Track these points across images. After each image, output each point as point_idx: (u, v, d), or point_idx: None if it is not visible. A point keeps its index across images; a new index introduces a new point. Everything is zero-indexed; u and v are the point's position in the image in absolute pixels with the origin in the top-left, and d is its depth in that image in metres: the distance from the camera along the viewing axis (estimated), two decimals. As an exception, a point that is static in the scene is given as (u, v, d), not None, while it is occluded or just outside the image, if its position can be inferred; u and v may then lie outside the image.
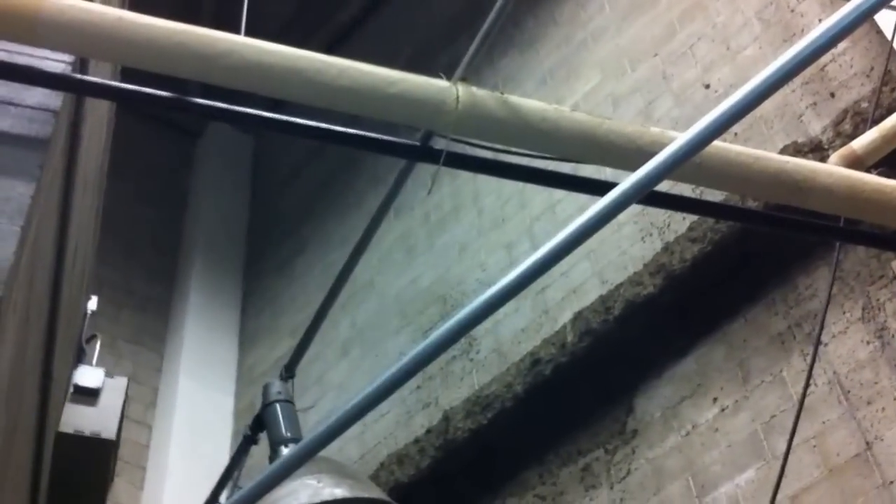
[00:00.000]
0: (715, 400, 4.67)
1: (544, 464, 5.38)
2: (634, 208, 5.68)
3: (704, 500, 4.47)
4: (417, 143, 2.73)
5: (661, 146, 1.90)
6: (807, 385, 3.76)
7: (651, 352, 5.04)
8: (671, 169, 1.85)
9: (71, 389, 4.49)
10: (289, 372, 3.10)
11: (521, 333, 5.94)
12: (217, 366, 9.12)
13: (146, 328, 9.53)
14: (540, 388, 5.37)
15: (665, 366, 4.98)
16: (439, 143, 2.70)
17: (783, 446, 4.17)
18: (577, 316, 5.35)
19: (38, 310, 2.95)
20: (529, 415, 5.43)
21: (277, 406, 2.94)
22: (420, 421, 6.32)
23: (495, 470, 5.59)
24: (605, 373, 5.20)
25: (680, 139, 1.84)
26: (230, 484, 3.16)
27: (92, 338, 5.00)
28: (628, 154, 2.59)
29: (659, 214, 5.44)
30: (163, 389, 9.04)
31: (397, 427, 6.59)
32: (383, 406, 7.07)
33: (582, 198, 6.06)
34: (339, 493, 2.57)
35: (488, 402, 5.58)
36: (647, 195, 1.90)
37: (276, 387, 2.99)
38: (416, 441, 5.97)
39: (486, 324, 6.30)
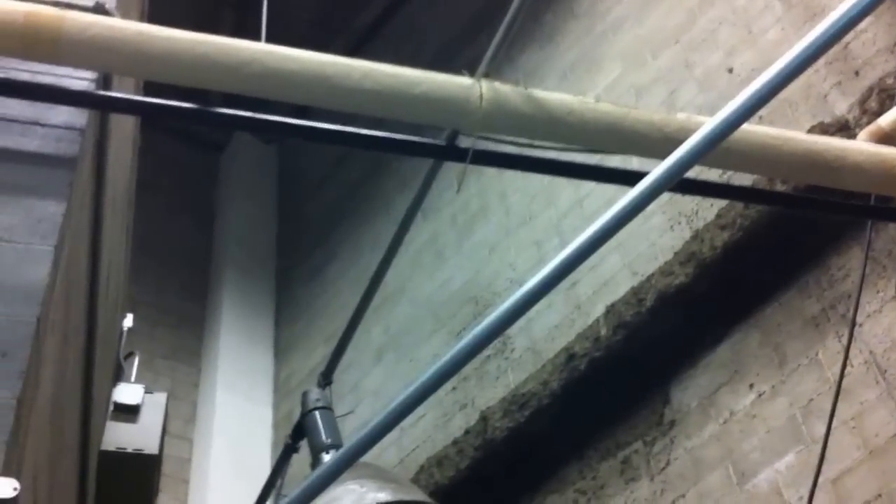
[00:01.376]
0: (751, 386, 4.64)
1: (584, 459, 5.37)
2: (662, 198, 5.65)
3: (745, 487, 4.45)
4: (443, 143, 2.74)
5: (689, 132, 1.90)
6: (844, 366, 3.72)
7: (685, 341, 5.02)
8: (701, 155, 1.85)
9: (111, 407, 4.52)
10: (326, 379, 3.11)
11: (554, 330, 5.92)
12: (254, 377, 9.15)
13: (182, 344, 9.59)
14: (576, 383, 5.36)
15: (700, 354, 4.95)
16: (465, 142, 2.70)
17: (822, 429, 4.15)
18: (610, 309, 5.33)
19: (75, 330, 2.97)
20: (567, 411, 5.42)
21: (317, 413, 2.95)
22: (458, 422, 6.32)
23: (535, 468, 5.58)
24: (640, 365, 5.18)
25: (708, 124, 1.83)
26: (273, 493, 3.17)
27: (129, 355, 5.03)
28: (656, 142, 2.59)
29: (687, 203, 5.41)
30: (201, 404, 9.08)
31: (435, 430, 6.59)
32: (420, 409, 6.98)
33: (609, 191, 6.05)
34: (383, 497, 2.58)
35: (525, 401, 5.58)
36: (677, 182, 1.90)
37: (315, 394, 3.00)
38: (455, 442, 5.97)
39: (520, 322, 6.26)
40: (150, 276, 9.52)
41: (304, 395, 3.00)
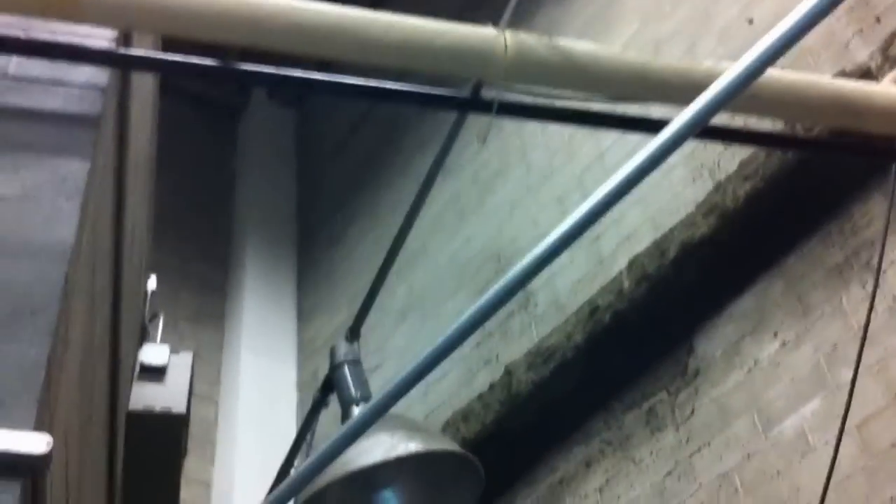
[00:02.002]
0: (776, 335, 4.64)
1: (609, 410, 5.39)
2: (684, 150, 5.63)
3: (770, 434, 4.46)
4: (468, 95, 2.73)
5: (715, 78, 1.88)
6: (870, 311, 3.71)
7: (708, 292, 5.02)
8: (727, 99, 1.83)
9: (137, 368, 4.55)
10: (354, 334, 3.11)
11: (577, 284, 5.93)
12: (277, 339, 9.22)
13: (205, 308, 9.66)
14: (600, 336, 5.37)
15: (723, 305, 4.95)
16: (489, 94, 2.68)
17: (846, 376, 4.15)
18: (633, 262, 5.33)
19: (102, 291, 2.99)
20: (591, 363, 5.44)
21: (346, 367, 2.96)
22: (482, 378, 6.35)
23: (560, 420, 5.61)
24: (663, 316, 5.19)
25: (734, 68, 1.82)
26: (304, 447, 3.20)
27: (154, 316, 5.07)
28: (682, 89, 2.57)
29: (709, 155, 5.39)
30: (226, 366, 9.16)
31: (460, 386, 6.62)
32: (445, 365, 7.03)
33: (630, 145, 6.03)
34: (414, 447, 2.60)
35: (549, 354, 5.60)
36: (703, 129, 1.88)
37: (343, 348, 3.00)
38: (480, 397, 6.00)
39: (542, 277, 6.31)
40: (172, 241, 9.57)
41: (333, 349, 3.00)
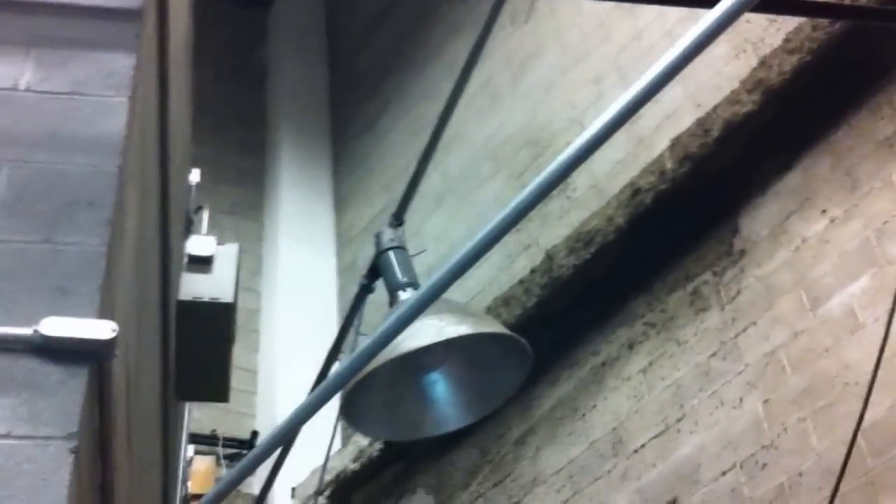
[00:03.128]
0: (823, 211, 4.61)
1: (652, 292, 5.41)
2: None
3: (818, 312, 4.46)
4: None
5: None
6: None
7: (754, 170, 4.97)
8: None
9: (185, 260, 4.60)
10: (398, 219, 3.11)
11: (616, 166, 5.89)
12: (316, 228, 9.28)
13: (244, 200, 9.73)
14: (642, 218, 5.36)
15: (769, 182, 4.91)
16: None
17: (896, 251, 4.13)
18: (675, 142, 5.28)
19: (152, 182, 3.00)
20: (633, 246, 5.43)
21: (391, 253, 2.97)
22: (522, 263, 6.38)
23: (602, 303, 5.64)
24: (707, 196, 5.16)
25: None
26: (351, 332, 3.23)
27: (199, 209, 5.10)
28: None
29: (753, 29, 5.29)
30: (266, 256, 9.25)
31: (500, 271, 6.65)
32: (484, 251, 7.08)
33: (668, 22, 5.92)
34: (463, 329, 2.62)
35: (590, 238, 5.59)
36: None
37: (388, 234, 3.00)
38: (521, 282, 6.03)
39: (581, 160, 6.24)
40: (208, 135, 9.58)
41: (378, 235, 3.01)
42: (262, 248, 9.49)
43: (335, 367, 2.62)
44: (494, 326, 2.79)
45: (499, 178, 7.10)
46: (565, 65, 6.75)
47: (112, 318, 1.97)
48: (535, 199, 2.00)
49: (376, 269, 3.04)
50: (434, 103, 7.92)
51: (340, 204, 9.47)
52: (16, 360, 1.87)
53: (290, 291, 8.68)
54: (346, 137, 9.62)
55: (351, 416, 2.80)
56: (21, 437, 1.80)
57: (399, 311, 2.30)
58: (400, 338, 2.62)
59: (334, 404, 2.79)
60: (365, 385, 2.72)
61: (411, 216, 7.72)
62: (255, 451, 2.29)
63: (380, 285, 3.07)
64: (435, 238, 7.52)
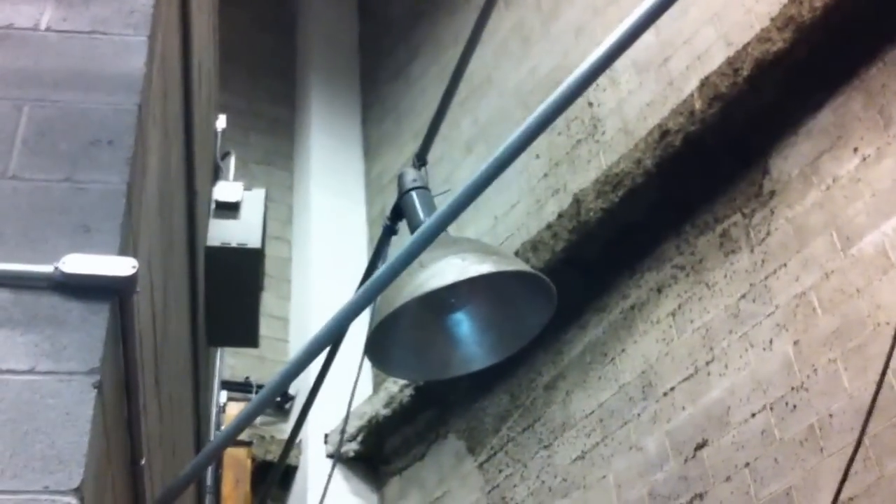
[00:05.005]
0: (855, 150, 4.54)
1: (681, 234, 5.37)
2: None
3: (850, 252, 4.41)
4: None
5: None
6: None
7: (784, 110, 4.91)
8: None
9: (213, 206, 4.62)
10: (420, 160, 3.09)
11: (646, 108, 5.84)
12: (346, 177, 9.28)
13: (274, 149, 9.74)
14: (671, 160, 5.31)
15: (800, 122, 4.84)
16: None
17: (930, 189, 4.08)
18: (704, 82, 5.21)
19: (175, 123, 3.00)
20: (662, 188, 5.39)
21: (414, 193, 2.94)
22: (551, 208, 6.35)
23: (631, 247, 5.61)
24: (737, 137, 5.10)
25: None
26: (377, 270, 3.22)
27: (226, 155, 5.11)
28: None
29: (783, -32, 5.20)
30: (297, 205, 9.27)
31: (528, 217, 6.63)
32: (512, 196, 7.14)
33: (699, -39, 5.83)
34: (486, 268, 2.60)
35: (619, 181, 5.55)
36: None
37: (411, 175, 2.98)
38: (549, 227, 6.00)
39: (610, 103, 6.22)
40: (239, 84, 9.60)
41: (401, 176, 2.98)
42: (293, 197, 9.51)
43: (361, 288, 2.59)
44: (518, 265, 2.78)
45: (528, 124, 7.04)
46: (596, 7, 6.67)
47: (134, 256, 1.98)
48: (548, 118, 1.97)
49: (399, 210, 3.02)
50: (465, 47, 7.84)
51: (371, 152, 9.46)
52: (38, 297, 1.88)
53: (321, 240, 8.71)
54: (376, 85, 9.58)
55: (376, 356, 2.81)
56: (44, 373, 1.82)
57: (414, 236, 2.30)
58: (423, 277, 2.62)
59: (360, 345, 2.80)
60: (389, 325, 2.72)
61: (442, 163, 7.77)
62: (289, 364, 2.29)
63: (403, 227, 3.06)
64: (465, 184, 7.48)
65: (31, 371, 1.81)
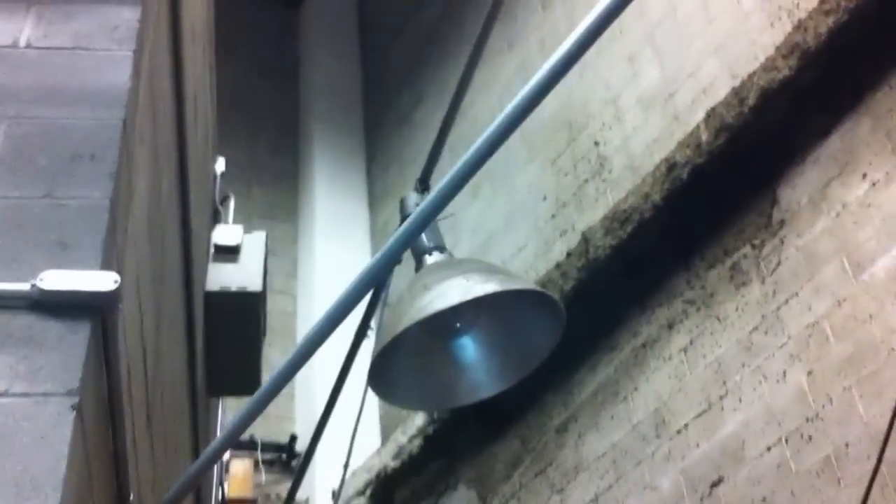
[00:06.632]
0: (864, 175, 4.45)
1: (691, 269, 5.27)
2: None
3: (861, 277, 4.30)
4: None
5: None
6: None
7: (791, 137, 4.82)
8: None
9: (212, 249, 4.53)
10: (423, 185, 3.00)
11: (652, 144, 5.77)
12: (351, 228, 9.20)
13: (278, 202, 9.68)
14: (678, 193, 5.21)
15: (807, 150, 4.75)
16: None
17: (943, 212, 3.97)
18: (710, 113, 5.13)
19: (166, 151, 2.92)
20: (670, 222, 5.29)
21: (416, 218, 2.84)
22: (559, 248, 6.26)
23: (641, 283, 5.50)
24: (744, 168, 5.01)
25: None
26: (380, 304, 3.13)
27: (225, 198, 5.03)
28: None
29: (786, -5, 5.16)
30: (302, 258, 9.18)
31: (536, 259, 6.54)
32: (520, 239, 7.05)
33: (702, -5, 5.78)
34: (491, 287, 2.50)
35: (626, 216, 5.46)
36: None
37: (414, 199, 2.88)
38: (558, 266, 5.91)
39: (616, 141, 6.14)
40: (241, 136, 9.57)
41: (403, 200, 2.89)
42: (297, 250, 9.43)
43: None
44: (524, 283, 2.67)
45: (535, 164, 6.99)
46: (599, 44, 6.59)
47: (120, 274, 1.88)
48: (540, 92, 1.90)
49: (402, 237, 2.92)
50: (470, 91, 7.79)
51: (375, 201, 9.39)
52: (13, 317, 1.79)
53: (326, 293, 8.59)
54: (380, 132, 9.54)
55: (380, 385, 2.69)
56: (19, 395, 1.72)
57: (405, 224, 2.22)
58: (427, 299, 2.51)
59: (363, 376, 2.68)
60: (393, 352, 2.61)
61: (448, 208, 7.68)
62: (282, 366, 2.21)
63: (407, 256, 2.96)
64: (471, 229, 7.42)
65: (4, 394, 1.72)
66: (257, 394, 2.26)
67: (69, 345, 1.77)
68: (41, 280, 1.78)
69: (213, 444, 2.27)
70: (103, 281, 1.79)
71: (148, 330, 2.51)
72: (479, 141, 1.94)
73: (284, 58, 10.54)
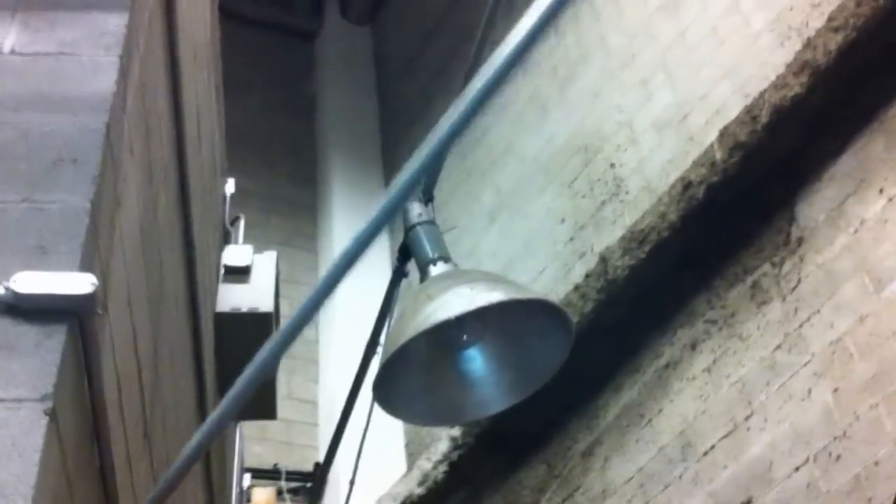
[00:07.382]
0: (881, 191, 4.37)
1: (711, 289, 5.18)
2: (769, 15, 5.33)
3: (882, 294, 4.21)
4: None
5: None
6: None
7: (806, 155, 4.75)
8: None
9: (222, 271, 4.48)
10: (427, 195, 2.93)
11: (668, 165, 5.72)
12: (370, 255, 9.07)
13: (297, 230, 9.66)
14: (695, 212, 5.14)
15: (823, 167, 4.67)
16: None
17: (963, 224, 3.88)
18: (724, 132, 5.07)
19: (163, 168, 2.87)
20: (688, 242, 5.22)
21: (420, 229, 2.78)
22: (578, 270, 6.19)
23: (660, 304, 5.42)
24: (760, 186, 4.94)
25: None
26: (388, 319, 3.06)
27: (236, 219, 4.99)
28: None
29: (795, 16, 5.11)
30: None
31: (555, 282, 6.47)
32: (539, 263, 6.98)
33: (712, 19, 5.74)
34: (495, 297, 2.43)
35: (644, 236, 5.38)
36: None
37: (417, 209, 2.81)
38: (577, 288, 5.82)
39: (632, 163, 6.09)
40: (258, 168, 9.57)
41: (406, 211, 2.81)
42: (317, 278, 9.39)
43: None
44: (530, 293, 2.59)
45: (551, 190, 6.94)
46: (611, 69, 6.59)
47: (100, 280, 1.82)
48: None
49: (407, 249, 2.86)
50: (484, 118, 7.82)
51: (395, 231, 9.34)
52: (-13, 321, 1.73)
53: (347, 320, 8.55)
54: (396, 162, 9.51)
55: (385, 399, 2.61)
56: (-9, 401, 1.65)
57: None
58: (430, 310, 2.44)
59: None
60: (398, 364, 2.54)
61: (466, 235, 7.64)
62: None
63: (412, 268, 2.89)
64: (490, 255, 7.37)
65: (-24, 400, 1.65)
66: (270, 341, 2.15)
67: (45, 350, 1.71)
68: (15, 282, 1.72)
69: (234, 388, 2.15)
70: (80, 283, 1.73)
71: (143, 347, 2.45)
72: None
73: (301, 91, 10.57)
